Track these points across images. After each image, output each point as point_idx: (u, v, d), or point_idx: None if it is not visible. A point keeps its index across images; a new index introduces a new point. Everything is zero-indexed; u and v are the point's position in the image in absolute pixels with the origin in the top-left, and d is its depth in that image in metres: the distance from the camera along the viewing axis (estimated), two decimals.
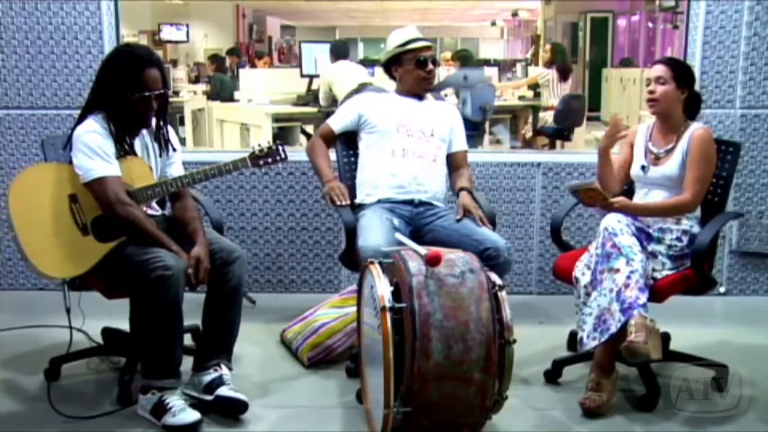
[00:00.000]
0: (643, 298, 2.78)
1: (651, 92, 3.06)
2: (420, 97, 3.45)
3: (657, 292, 2.90)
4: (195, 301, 2.92)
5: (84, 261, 2.78)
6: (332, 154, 3.52)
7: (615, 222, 2.89)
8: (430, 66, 3.37)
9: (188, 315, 2.91)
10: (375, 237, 2.98)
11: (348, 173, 3.49)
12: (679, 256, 2.99)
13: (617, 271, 2.82)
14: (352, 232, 3.12)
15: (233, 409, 2.79)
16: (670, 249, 2.97)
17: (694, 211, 3.05)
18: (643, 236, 2.94)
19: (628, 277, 2.80)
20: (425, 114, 3.40)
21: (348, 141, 3.50)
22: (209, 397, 2.82)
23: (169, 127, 3.03)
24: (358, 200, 3.35)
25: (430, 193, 3.31)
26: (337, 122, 3.47)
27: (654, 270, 2.93)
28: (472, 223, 3.15)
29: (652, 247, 2.96)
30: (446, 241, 2.99)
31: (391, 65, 3.43)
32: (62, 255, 2.77)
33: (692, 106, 3.14)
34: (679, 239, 2.99)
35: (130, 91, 2.77)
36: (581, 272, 2.97)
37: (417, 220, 3.26)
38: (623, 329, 2.75)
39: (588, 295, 2.91)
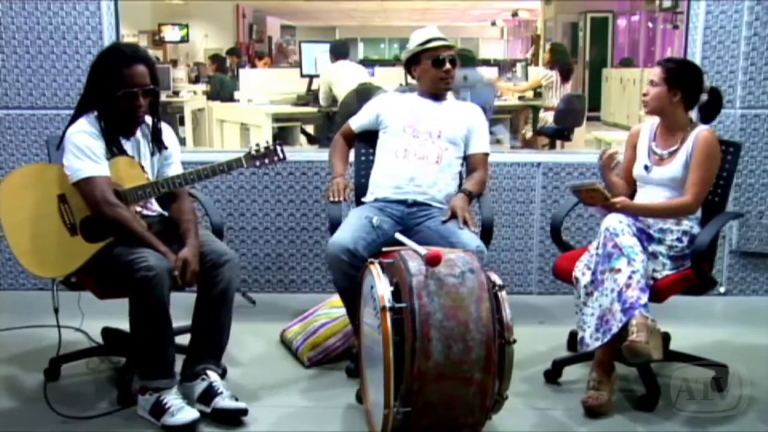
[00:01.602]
0: (645, 298, 2.78)
1: (644, 94, 3.09)
2: (437, 97, 3.42)
3: (657, 292, 2.90)
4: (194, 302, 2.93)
5: (71, 261, 2.77)
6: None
7: (616, 222, 2.89)
8: (448, 66, 3.32)
9: (188, 316, 2.91)
10: (342, 234, 3.01)
11: (363, 171, 3.51)
12: (679, 257, 2.99)
13: (618, 271, 2.82)
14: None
15: (233, 418, 2.77)
16: (670, 249, 2.97)
17: (695, 213, 3.05)
18: (644, 237, 2.94)
19: (630, 277, 2.80)
20: (437, 115, 3.37)
21: (367, 140, 3.52)
22: (207, 410, 2.78)
23: (165, 126, 3.02)
24: (364, 198, 3.38)
25: (428, 195, 3.29)
26: (357, 121, 3.50)
27: (654, 270, 2.93)
28: (453, 225, 3.11)
29: (653, 247, 2.96)
30: (429, 242, 2.95)
31: (411, 65, 3.42)
32: (49, 255, 2.77)
33: (707, 108, 3.10)
34: (679, 240, 2.99)
35: (116, 88, 2.76)
36: (581, 272, 2.97)
37: (408, 220, 3.25)
38: (624, 329, 2.76)
39: (588, 295, 2.91)
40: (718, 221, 3.04)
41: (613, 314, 2.80)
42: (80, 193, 2.79)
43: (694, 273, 2.96)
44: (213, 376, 2.86)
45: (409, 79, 3.58)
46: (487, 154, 3.44)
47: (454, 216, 3.13)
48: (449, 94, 3.48)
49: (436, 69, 3.33)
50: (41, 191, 2.81)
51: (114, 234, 2.77)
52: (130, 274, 2.65)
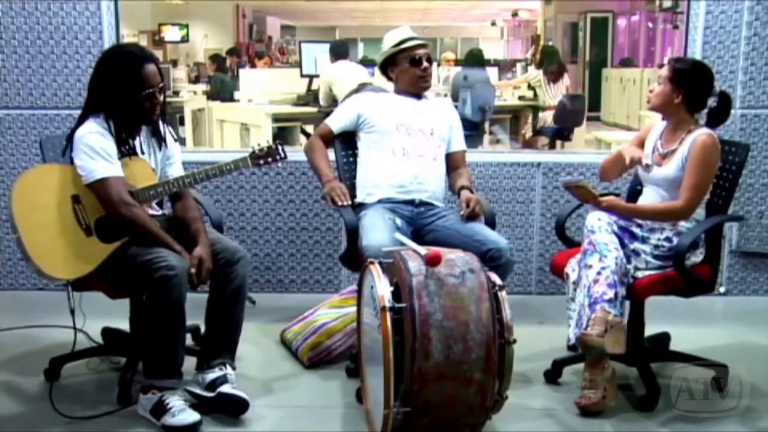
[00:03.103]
0: (611, 293, 2.79)
1: (650, 90, 3.09)
2: (418, 96, 3.44)
3: (636, 290, 2.90)
4: (196, 301, 2.92)
5: (88, 262, 2.78)
6: (331, 154, 3.51)
7: (595, 220, 2.92)
8: (425, 64, 3.35)
9: (189, 315, 2.91)
10: (378, 236, 2.98)
11: (348, 173, 3.49)
12: (667, 257, 2.95)
13: (590, 267, 2.85)
14: (353, 233, 3.12)
15: (234, 407, 2.80)
16: (656, 249, 2.94)
17: (687, 219, 2.98)
18: (627, 235, 2.94)
19: (599, 273, 2.82)
20: (424, 113, 3.40)
21: (346, 141, 3.49)
22: (211, 395, 2.83)
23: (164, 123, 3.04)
24: (358, 200, 3.35)
25: (430, 192, 3.31)
26: (336, 122, 3.46)
27: (636, 269, 2.93)
28: (474, 224, 3.15)
29: (635, 245, 2.94)
30: (448, 242, 2.99)
31: (387, 66, 3.42)
32: (67, 256, 2.77)
33: (715, 112, 3.04)
34: (668, 239, 2.95)
35: (137, 90, 2.78)
36: (572, 269, 2.99)
37: (418, 220, 3.26)
38: None
39: (575, 291, 2.94)
40: (705, 223, 2.99)
41: (584, 309, 2.82)
42: (96, 194, 2.79)
43: (678, 274, 2.91)
44: (228, 369, 2.91)
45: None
46: (465, 151, 3.52)
47: (473, 212, 3.16)
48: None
49: (414, 68, 3.35)
50: (55, 193, 2.81)
51: (130, 234, 2.78)
52: (149, 274, 2.66)
